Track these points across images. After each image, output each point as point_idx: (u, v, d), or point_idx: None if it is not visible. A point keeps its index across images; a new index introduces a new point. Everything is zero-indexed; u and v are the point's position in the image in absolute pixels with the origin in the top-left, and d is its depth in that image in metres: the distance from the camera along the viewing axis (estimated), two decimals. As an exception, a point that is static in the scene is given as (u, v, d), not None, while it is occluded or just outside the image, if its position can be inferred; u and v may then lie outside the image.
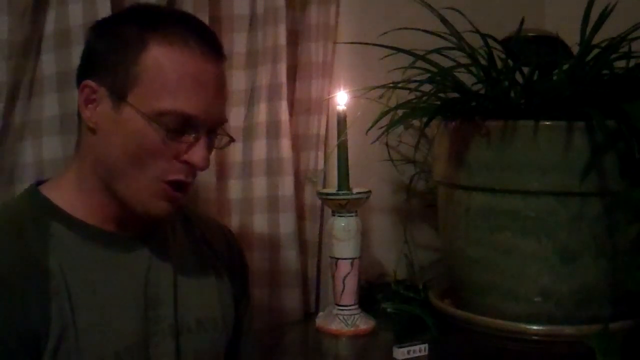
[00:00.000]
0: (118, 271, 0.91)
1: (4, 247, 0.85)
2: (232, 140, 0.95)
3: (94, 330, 0.86)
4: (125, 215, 0.91)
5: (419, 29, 1.14)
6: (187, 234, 1.03)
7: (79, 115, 0.90)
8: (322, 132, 1.42)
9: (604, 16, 1.05)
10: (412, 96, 1.19)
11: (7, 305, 0.82)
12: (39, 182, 0.95)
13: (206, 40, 0.87)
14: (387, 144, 1.38)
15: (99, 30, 0.91)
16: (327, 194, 1.29)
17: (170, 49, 0.85)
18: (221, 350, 1.03)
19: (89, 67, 0.89)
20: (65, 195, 0.91)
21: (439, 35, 1.15)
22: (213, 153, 1.24)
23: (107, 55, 0.87)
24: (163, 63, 0.85)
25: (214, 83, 0.87)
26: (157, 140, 0.85)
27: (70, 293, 0.85)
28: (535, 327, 1.06)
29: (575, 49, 1.10)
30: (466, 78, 1.15)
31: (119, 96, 0.85)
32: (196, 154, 0.86)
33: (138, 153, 0.85)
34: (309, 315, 1.40)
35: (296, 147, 1.40)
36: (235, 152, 1.36)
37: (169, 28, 0.86)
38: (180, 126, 0.85)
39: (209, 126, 0.88)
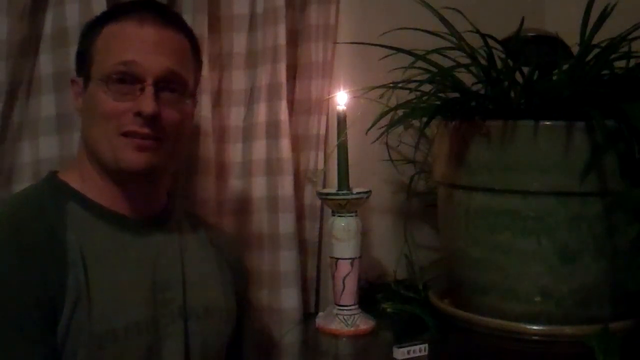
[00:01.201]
0: (129, 251, 0.97)
1: (27, 221, 0.92)
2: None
3: (105, 303, 0.91)
4: (125, 195, 0.98)
5: (419, 29, 1.14)
6: (193, 231, 1.10)
7: None
8: (322, 132, 1.42)
9: (604, 16, 1.05)
10: (412, 96, 1.18)
11: (29, 274, 0.87)
12: (56, 171, 1.03)
13: (148, 11, 0.97)
14: (387, 144, 1.38)
15: (81, 33, 1.03)
16: (327, 194, 1.29)
17: (115, 25, 0.96)
18: (225, 341, 1.06)
19: (76, 66, 1.01)
20: (78, 179, 0.99)
21: (439, 35, 1.15)
22: (211, 152, 1.27)
23: (81, 50, 0.99)
24: (108, 37, 0.96)
25: (151, 40, 0.95)
26: (109, 99, 0.93)
27: (86, 265, 0.91)
28: (535, 327, 1.06)
29: (575, 49, 1.09)
30: (466, 78, 1.15)
31: (87, 77, 0.97)
32: (142, 101, 0.93)
33: (98, 117, 0.94)
34: (309, 315, 1.40)
35: (296, 147, 1.40)
36: (235, 152, 1.37)
37: (120, 12, 0.98)
38: (126, 77, 0.93)
39: (154, 77, 0.94)
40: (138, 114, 0.93)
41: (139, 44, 0.94)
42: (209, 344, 1.03)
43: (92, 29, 0.99)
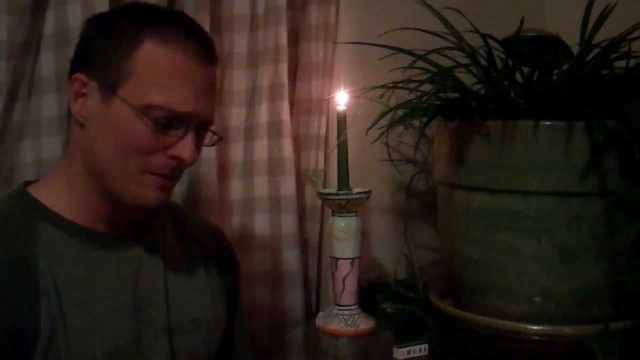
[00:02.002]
0: (108, 271, 0.91)
1: None
2: (220, 138, 0.97)
3: (83, 331, 0.86)
4: (115, 213, 0.92)
5: (419, 29, 1.14)
6: (177, 234, 1.03)
7: (69, 111, 0.91)
8: (322, 132, 1.42)
9: (604, 16, 1.05)
10: (412, 96, 1.19)
11: None
12: (28, 183, 0.95)
13: (199, 42, 0.89)
14: (387, 144, 1.38)
15: (95, 25, 0.92)
16: (327, 194, 1.29)
17: (163, 47, 0.86)
18: (214, 349, 1.03)
19: (81, 61, 0.90)
20: (54, 195, 0.91)
21: (439, 35, 1.15)
22: (212, 152, 1.27)
23: (101, 50, 0.88)
24: (155, 59, 0.86)
25: (203, 83, 0.88)
26: (146, 134, 0.86)
27: (60, 293, 0.85)
28: (535, 327, 1.06)
29: (575, 49, 1.09)
30: (466, 78, 1.15)
31: (110, 90, 0.86)
32: (183, 148, 0.87)
33: (126, 146, 0.86)
34: (309, 315, 1.40)
35: (296, 147, 1.41)
36: (237, 152, 1.36)
37: (163, 27, 0.87)
38: (168, 121, 0.86)
39: (197, 123, 0.88)
40: (174, 157, 0.87)
41: (193, 88, 0.87)
42: (196, 356, 0.99)
43: (125, 31, 0.87)
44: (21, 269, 0.84)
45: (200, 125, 0.89)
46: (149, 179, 0.88)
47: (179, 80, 0.86)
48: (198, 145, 0.90)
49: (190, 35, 0.88)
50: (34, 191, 0.92)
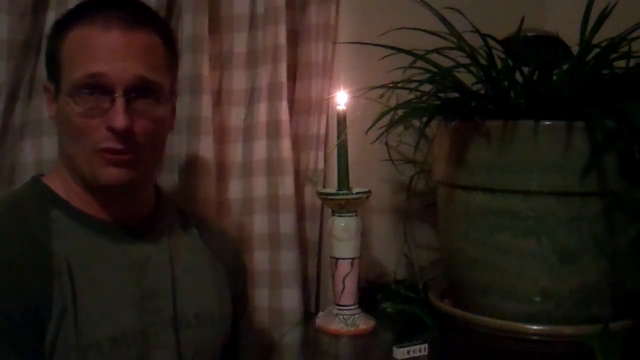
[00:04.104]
0: (115, 260, 0.94)
1: (10, 230, 0.90)
2: (170, 101, 0.98)
3: (91, 313, 0.89)
4: (106, 202, 0.95)
5: (419, 29, 1.14)
6: (185, 233, 1.05)
7: None
8: (322, 132, 1.42)
9: (604, 16, 1.05)
10: (412, 96, 1.19)
11: (13, 283, 0.85)
12: (41, 175, 1.00)
13: (115, 12, 0.91)
14: (387, 144, 1.38)
15: (48, 35, 0.98)
16: (327, 194, 1.29)
17: (79, 32, 0.90)
18: (219, 347, 1.04)
19: (47, 71, 0.97)
20: (61, 185, 0.96)
21: (439, 35, 1.15)
22: (211, 152, 1.27)
23: (50, 55, 0.95)
24: (73, 44, 0.91)
25: (120, 45, 0.90)
26: (78, 114, 0.89)
27: (72, 274, 0.89)
28: (535, 327, 1.06)
29: (575, 49, 1.09)
30: (466, 78, 1.15)
31: (57, 87, 0.92)
32: (113, 115, 0.89)
33: (71, 131, 0.91)
34: (309, 315, 1.40)
35: (296, 147, 1.40)
36: (236, 152, 1.36)
37: (87, 14, 0.91)
38: (93, 90, 0.89)
39: (124, 87, 0.89)
40: (110, 129, 0.88)
41: (105, 52, 0.89)
42: (202, 351, 1.00)
43: (58, 32, 0.93)
44: (37, 250, 0.88)
45: (133, 89, 0.90)
46: (100, 157, 0.90)
47: (89, 49, 0.89)
48: (139, 111, 0.91)
49: (102, 9, 0.91)
50: (47, 180, 0.97)
